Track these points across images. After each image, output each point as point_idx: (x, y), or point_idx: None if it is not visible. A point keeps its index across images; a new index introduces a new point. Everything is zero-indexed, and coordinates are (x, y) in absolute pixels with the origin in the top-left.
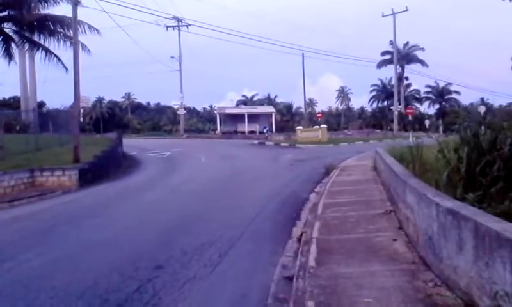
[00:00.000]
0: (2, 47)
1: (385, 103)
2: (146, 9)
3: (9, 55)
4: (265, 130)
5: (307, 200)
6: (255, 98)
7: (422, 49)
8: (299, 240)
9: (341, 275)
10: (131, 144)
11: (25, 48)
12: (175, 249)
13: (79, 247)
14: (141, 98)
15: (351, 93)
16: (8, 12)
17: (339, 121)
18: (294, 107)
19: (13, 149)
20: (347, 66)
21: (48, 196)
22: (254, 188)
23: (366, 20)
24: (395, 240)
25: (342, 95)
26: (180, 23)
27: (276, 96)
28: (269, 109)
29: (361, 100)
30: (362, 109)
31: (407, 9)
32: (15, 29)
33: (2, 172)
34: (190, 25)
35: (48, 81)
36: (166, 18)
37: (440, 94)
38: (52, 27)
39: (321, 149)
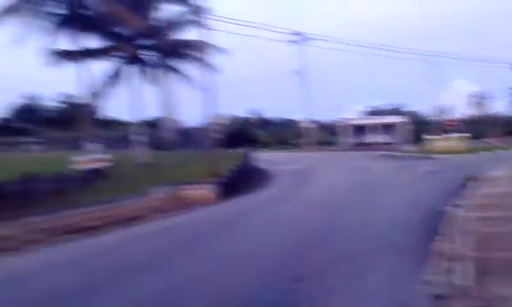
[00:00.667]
0: (145, 72)
1: None
2: (269, 27)
3: (151, 79)
4: (393, 141)
5: (447, 214)
6: (382, 108)
7: None
8: (442, 255)
9: (501, 296)
10: (261, 158)
11: (164, 72)
12: (311, 262)
13: (222, 259)
14: (268, 112)
15: (488, 98)
16: (148, 40)
17: (475, 128)
18: (424, 115)
19: (159, 165)
20: (482, 69)
21: (191, 209)
22: (387, 200)
23: (500, 18)
24: None
25: (477, 100)
26: (303, 38)
27: (403, 105)
28: (397, 118)
29: (499, 105)
30: (502, 115)
31: None
32: (154, 55)
33: (152, 185)
34: (313, 39)
35: (186, 100)
36: (289, 33)
37: None
38: (186, 51)
39: (458, 159)
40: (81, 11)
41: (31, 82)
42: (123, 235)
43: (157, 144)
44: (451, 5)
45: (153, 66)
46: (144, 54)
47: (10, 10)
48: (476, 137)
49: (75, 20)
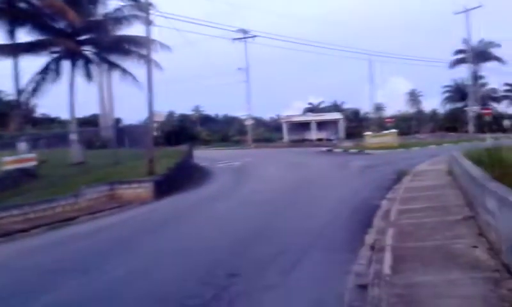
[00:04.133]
0: (83, 69)
1: (459, 104)
2: (213, 24)
3: (89, 75)
4: (333, 137)
5: (379, 207)
6: (322, 105)
7: (499, 46)
8: (372, 247)
9: (418, 283)
10: (201, 155)
11: (104, 69)
12: (249, 257)
13: (158, 256)
14: (210, 110)
15: (422, 96)
16: (88, 35)
17: (410, 125)
18: (362, 112)
19: (94, 164)
20: (417, 68)
21: (127, 208)
22: (324, 196)
23: (435, 20)
24: (475, 247)
25: (412, 98)
26: (246, 36)
27: (343, 102)
28: (336, 115)
29: (432, 103)
30: (434, 112)
31: (480, 6)
32: (94, 50)
33: (85, 185)
34: (256, 36)
35: (124, 97)
36: (233, 31)
37: None
38: (127, 47)
39: (392, 155)
40: (17, 3)
41: None
42: (53, 237)
43: (95, 143)
44: (394, 5)
45: (94, 62)
46: (85, 50)
47: None
48: (410, 133)
49: (9, 13)
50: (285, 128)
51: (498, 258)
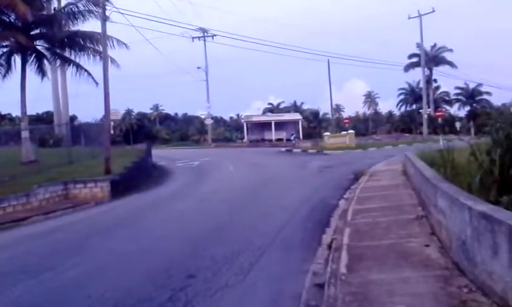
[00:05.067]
0: (35, 64)
1: (414, 106)
2: (172, 22)
3: (42, 71)
4: (292, 138)
5: (336, 207)
6: (282, 106)
7: (451, 50)
8: (330, 246)
9: (373, 281)
10: (160, 154)
11: (57, 65)
12: (206, 257)
13: (112, 257)
14: (169, 109)
15: (379, 98)
16: (40, 30)
17: (367, 126)
18: (321, 113)
19: (47, 163)
20: (374, 71)
21: (82, 208)
22: (283, 195)
23: (392, 23)
24: (427, 245)
25: (369, 100)
26: (206, 34)
27: (302, 103)
28: (296, 116)
29: (388, 104)
30: (390, 113)
31: (433, 11)
32: (46, 46)
33: (38, 185)
34: (215, 35)
35: (80, 95)
36: (192, 29)
37: (471, 95)
38: (82, 43)
39: (349, 155)
40: None
41: None
42: (3, 238)
43: (48, 141)
44: (353, 8)
45: (47, 57)
46: (37, 45)
47: None
48: (367, 134)
49: None
50: (245, 128)
51: (448, 257)
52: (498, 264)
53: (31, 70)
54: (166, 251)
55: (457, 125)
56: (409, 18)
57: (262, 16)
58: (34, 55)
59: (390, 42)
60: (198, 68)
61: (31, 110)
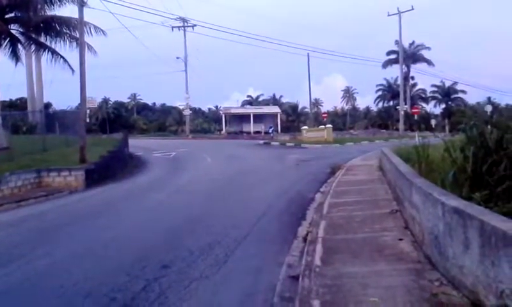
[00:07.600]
0: (9, 49)
1: (391, 103)
2: (152, 10)
3: (16, 56)
4: (270, 130)
5: (313, 200)
6: (261, 99)
7: (428, 48)
8: (305, 239)
9: (347, 274)
10: (137, 144)
11: (32, 50)
12: (181, 248)
13: (86, 247)
14: (147, 98)
15: (357, 93)
16: (15, 13)
17: (345, 121)
18: (300, 107)
19: (20, 150)
20: (353, 66)
21: (55, 196)
22: (260, 188)
23: (371, 20)
24: (401, 239)
25: (347, 95)
26: (186, 24)
27: (281, 96)
28: (275, 109)
29: (366, 100)
30: (368, 109)
31: (412, 9)
32: (21, 30)
33: (9, 172)
34: (195, 25)
35: (55, 82)
36: (172, 18)
37: (446, 93)
38: (59, 29)
39: (327, 149)
40: None
41: None
42: None
43: (22, 128)
44: (334, 3)
45: (21, 42)
46: (12, 29)
47: None
48: (345, 129)
49: None
50: (223, 119)
51: (421, 250)
52: (469, 258)
53: (4, 54)
54: (140, 241)
55: (433, 122)
56: (389, 15)
57: (244, 7)
58: (8, 39)
59: (370, 38)
60: (177, 58)
61: (4, 96)
